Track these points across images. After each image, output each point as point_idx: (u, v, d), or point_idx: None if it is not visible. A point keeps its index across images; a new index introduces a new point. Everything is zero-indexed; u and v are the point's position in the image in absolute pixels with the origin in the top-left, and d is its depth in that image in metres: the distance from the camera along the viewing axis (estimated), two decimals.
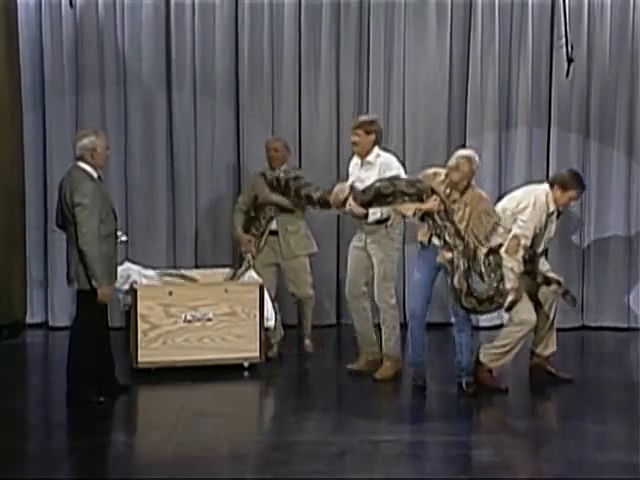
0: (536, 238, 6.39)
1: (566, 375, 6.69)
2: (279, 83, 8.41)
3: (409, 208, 6.24)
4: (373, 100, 8.46)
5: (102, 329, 6.12)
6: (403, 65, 8.45)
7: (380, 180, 6.41)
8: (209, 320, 6.92)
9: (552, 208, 6.41)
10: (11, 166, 8.09)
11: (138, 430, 5.96)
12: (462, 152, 6.50)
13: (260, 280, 7.06)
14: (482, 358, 6.43)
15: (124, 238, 6.24)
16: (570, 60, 8.19)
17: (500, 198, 6.96)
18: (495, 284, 6.19)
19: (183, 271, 7.53)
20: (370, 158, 6.66)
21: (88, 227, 5.79)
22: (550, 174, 7.99)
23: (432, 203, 6.16)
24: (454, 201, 6.26)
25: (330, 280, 8.51)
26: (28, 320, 8.41)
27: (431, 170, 6.46)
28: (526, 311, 6.37)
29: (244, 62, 8.35)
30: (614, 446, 5.49)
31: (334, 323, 8.58)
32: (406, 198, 6.26)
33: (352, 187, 6.48)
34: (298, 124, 8.47)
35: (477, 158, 6.39)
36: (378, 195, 6.32)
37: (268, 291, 7.07)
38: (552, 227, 6.49)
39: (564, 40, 8.18)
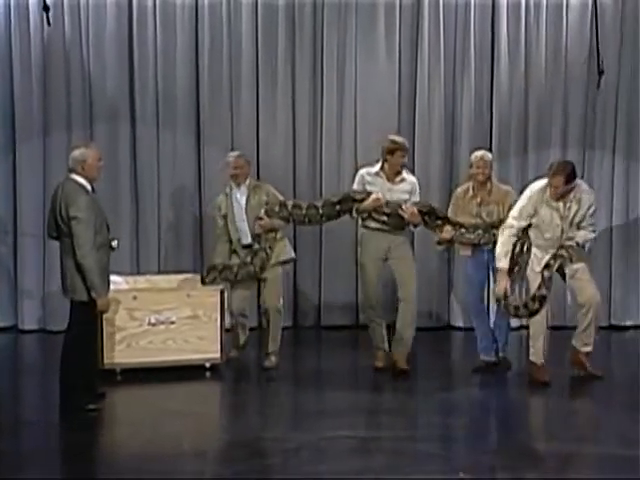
0: (539, 225, 6.45)
1: (597, 372, 6.71)
2: (237, 98, 8.43)
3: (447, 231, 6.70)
4: (327, 115, 8.52)
5: (95, 338, 6.06)
6: (355, 82, 8.51)
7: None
8: (172, 323, 6.90)
9: (547, 194, 6.42)
10: None
11: (104, 429, 5.87)
12: (477, 153, 6.90)
13: (221, 285, 7.05)
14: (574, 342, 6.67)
15: (114, 244, 6.02)
16: (601, 72, 8.33)
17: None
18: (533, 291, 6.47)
19: None
20: (404, 175, 6.79)
21: (85, 240, 5.61)
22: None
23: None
24: (488, 203, 6.71)
25: (287, 285, 8.45)
26: None
27: (459, 189, 6.93)
28: (584, 292, 6.55)
29: (204, 80, 8.37)
30: (551, 436, 5.59)
31: (290, 325, 8.53)
32: (446, 226, 6.70)
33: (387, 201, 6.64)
34: (256, 136, 8.47)
35: (489, 154, 6.91)
36: (433, 213, 6.74)
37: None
38: (554, 215, 6.41)
39: (596, 54, 8.35)
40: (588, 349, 6.71)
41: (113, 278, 7.06)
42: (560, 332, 7.31)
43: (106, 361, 6.78)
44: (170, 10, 8.30)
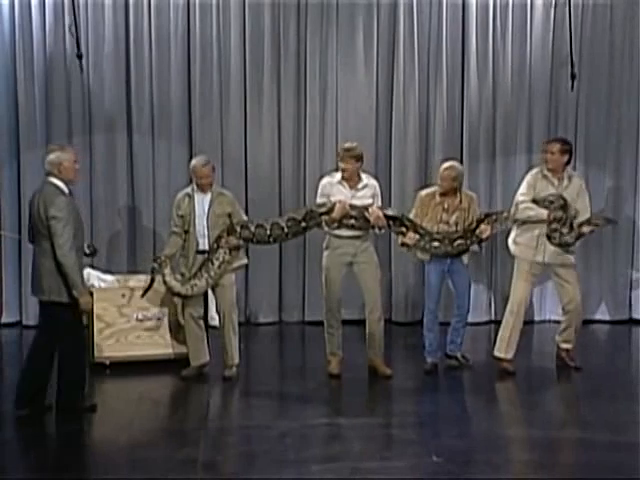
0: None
1: (575, 364, 6.79)
2: (227, 110, 8.40)
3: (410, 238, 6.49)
4: (310, 123, 8.50)
5: (79, 338, 5.69)
6: (336, 93, 8.49)
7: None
8: (159, 319, 6.88)
9: (544, 171, 6.54)
10: None
11: (97, 419, 5.73)
12: (445, 164, 6.75)
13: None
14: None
15: (87, 251, 5.88)
16: (573, 76, 8.39)
17: None
18: None
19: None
20: (365, 180, 6.50)
21: (65, 239, 5.31)
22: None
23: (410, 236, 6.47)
24: (455, 210, 6.59)
25: (272, 281, 8.57)
26: (3, 320, 8.30)
27: (423, 192, 6.77)
28: (567, 296, 6.65)
29: (196, 94, 8.35)
30: (518, 422, 5.69)
31: (276, 321, 8.60)
32: (410, 233, 6.47)
33: (351, 205, 6.35)
34: (244, 144, 8.46)
35: (460, 166, 6.81)
36: (400, 220, 6.49)
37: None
38: (550, 188, 6.46)
39: (569, 60, 8.36)
40: (568, 346, 6.79)
41: (104, 277, 7.11)
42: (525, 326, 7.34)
43: (96, 355, 6.77)
44: (164, 30, 8.28)
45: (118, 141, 8.34)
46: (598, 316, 8.71)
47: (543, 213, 6.40)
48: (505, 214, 6.66)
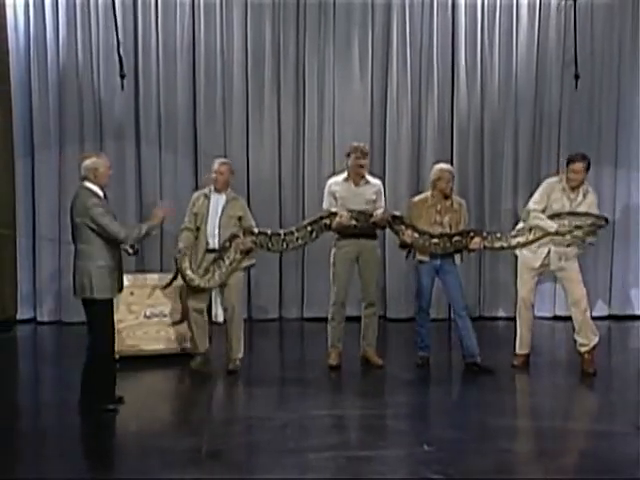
0: (551, 208, 6.36)
1: (589, 369, 6.44)
2: (230, 119, 8.42)
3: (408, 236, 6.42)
4: (308, 133, 8.50)
5: (108, 335, 5.50)
6: (333, 104, 8.50)
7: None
8: (165, 316, 6.86)
9: (563, 184, 6.37)
10: (4, 181, 8.00)
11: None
12: (438, 166, 6.66)
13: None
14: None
15: (130, 251, 5.73)
16: (577, 76, 8.41)
17: None
18: None
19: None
20: (369, 178, 6.56)
21: (113, 226, 5.28)
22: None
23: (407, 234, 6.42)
24: (446, 211, 6.50)
25: (273, 280, 8.53)
26: (18, 316, 8.24)
27: (416, 199, 6.69)
28: (573, 294, 6.45)
29: (200, 105, 8.38)
30: (506, 413, 5.62)
31: (276, 317, 8.57)
32: (408, 231, 6.41)
33: (349, 210, 6.35)
34: (246, 154, 8.46)
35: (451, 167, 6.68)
36: (400, 218, 6.45)
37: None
38: (565, 201, 6.32)
39: (574, 61, 8.41)
40: (581, 349, 6.47)
41: None
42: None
43: None
44: (171, 44, 8.30)
45: (127, 148, 8.33)
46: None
47: (552, 225, 6.30)
48: (498, 234, 6.57)
